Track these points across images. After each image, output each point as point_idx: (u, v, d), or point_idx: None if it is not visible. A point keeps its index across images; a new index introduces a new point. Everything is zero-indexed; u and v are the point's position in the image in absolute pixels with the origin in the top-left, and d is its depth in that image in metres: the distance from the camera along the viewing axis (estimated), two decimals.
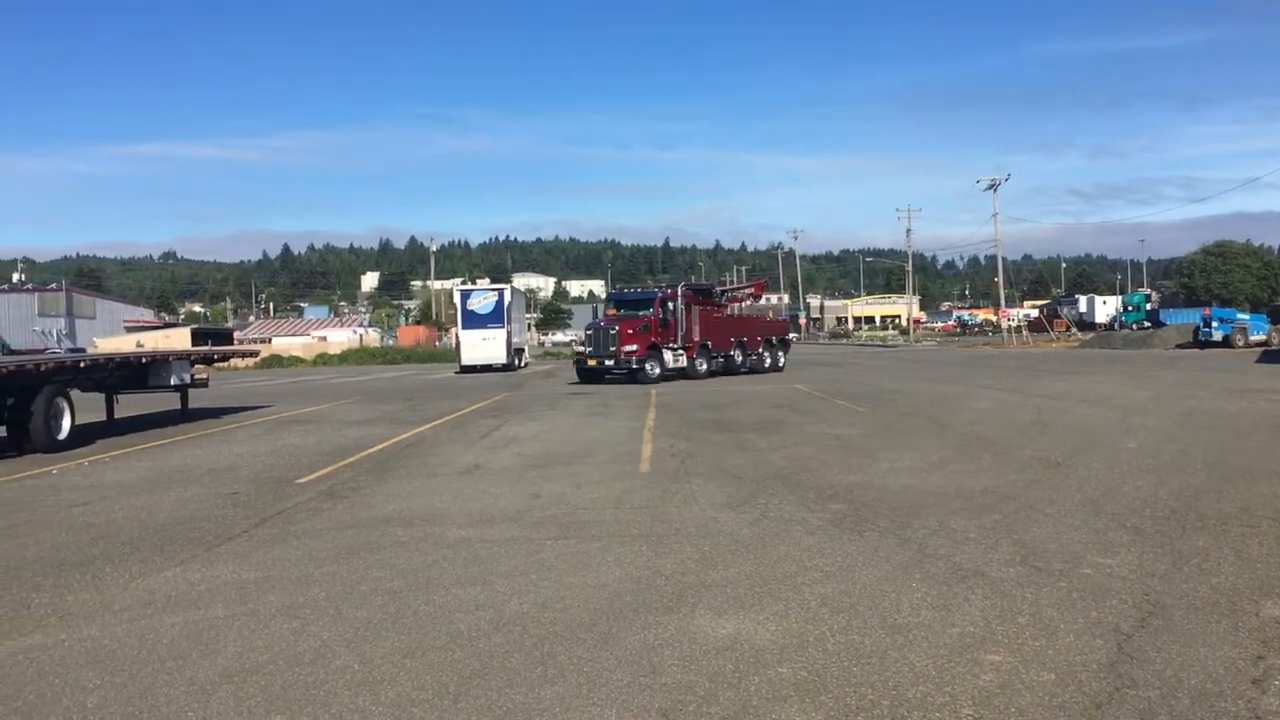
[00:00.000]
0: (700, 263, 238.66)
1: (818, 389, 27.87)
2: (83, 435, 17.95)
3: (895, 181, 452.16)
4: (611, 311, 36.00)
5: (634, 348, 32.96)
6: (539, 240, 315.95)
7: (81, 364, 18.88)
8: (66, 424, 17.07)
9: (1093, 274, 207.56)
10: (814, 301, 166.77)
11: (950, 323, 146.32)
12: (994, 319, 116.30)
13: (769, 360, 39.66)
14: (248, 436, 18.53)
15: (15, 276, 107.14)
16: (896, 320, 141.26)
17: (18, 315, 76.91)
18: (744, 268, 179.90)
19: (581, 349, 35.26)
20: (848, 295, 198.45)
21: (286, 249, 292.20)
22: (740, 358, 38.01)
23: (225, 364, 36.94)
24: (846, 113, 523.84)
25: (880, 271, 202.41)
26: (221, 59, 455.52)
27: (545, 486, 11.53)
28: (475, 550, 8.25)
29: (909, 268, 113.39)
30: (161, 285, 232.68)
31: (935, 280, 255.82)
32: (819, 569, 7.32)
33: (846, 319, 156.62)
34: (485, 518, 9.72)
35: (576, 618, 6.25)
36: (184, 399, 23.49)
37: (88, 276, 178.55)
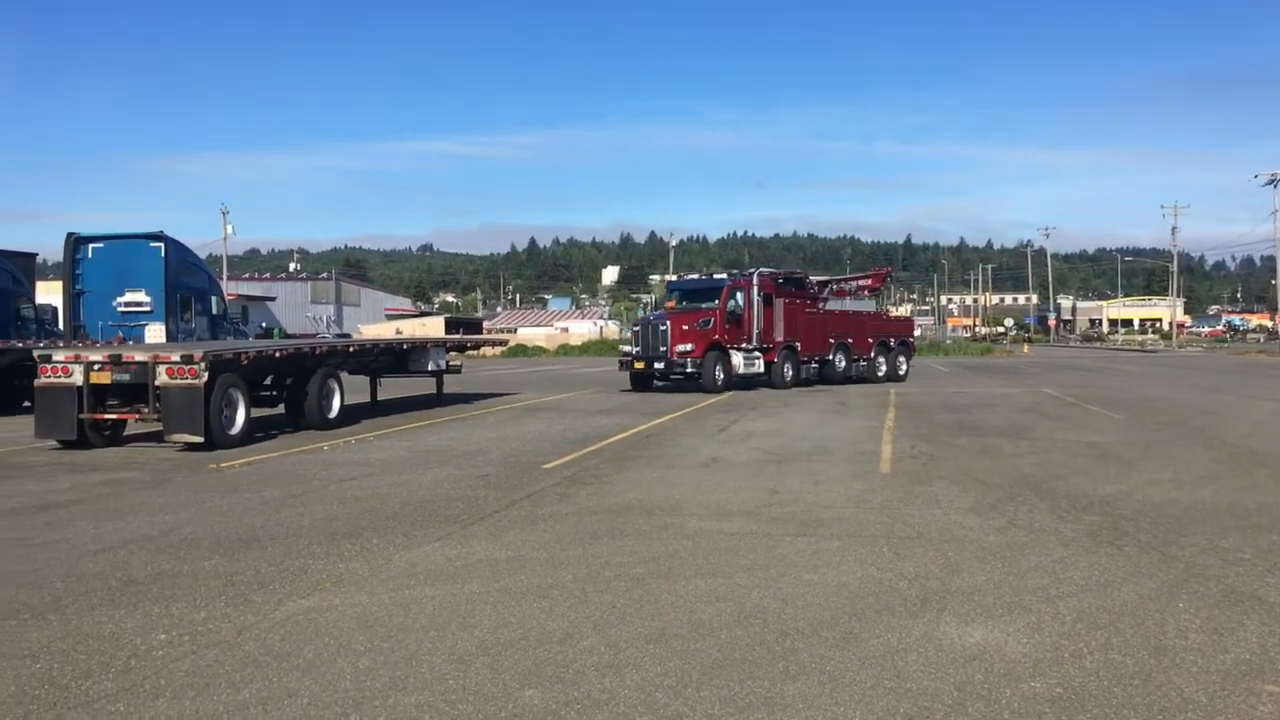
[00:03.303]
0: (944, 260, 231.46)
1: (1068, 394, 26.54)
2: (350, 415, 19.24)
3: (1161, 175, 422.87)
4: (670, 304, 30.37)
5: (689, 347, 27.12)
6: (777, 236, 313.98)
7: (351, 348, 20.32)
8: (336, 404, 18.35)
9: None
10: (1065, 302, 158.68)
11: (1218, 328, 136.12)
12: (1270, 324, 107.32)
13: (884, 367, 33.66)
14: (497, 422, 19.40)
15: (291, 266, 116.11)
16: (1157, 324, 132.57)
17: (293, 302, 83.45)
18: (989, 266, 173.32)
19: (628, 349, 29.09)
20: (1103, 296, 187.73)
21: (533, 242, 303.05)
22: (843, 363, 32.10)
23: (476, 351, 38.78)
24: (1112, 102, 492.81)
25: (1140, 272, 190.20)
26: (472, 62, 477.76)
27: (783, 482, 11.51)
28: (715, 542, 8.34)
29: (1173, 268, 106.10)
30: (418, 276, 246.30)
31: (1202, 282, 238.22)
32: (1073, 582, 6.98)
33: (1100, 321, 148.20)
34: (724, 511, 9.80)
35: (817, 615, 6.22)
36: (439, 384, 24.74)
37: (354, 267, 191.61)
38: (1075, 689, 4.96)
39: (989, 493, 10.74)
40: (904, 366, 34.83)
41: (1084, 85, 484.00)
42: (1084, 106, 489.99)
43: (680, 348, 27.06)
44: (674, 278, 34.99)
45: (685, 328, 27.47)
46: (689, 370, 27.03)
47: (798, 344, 30.29)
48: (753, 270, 31.19)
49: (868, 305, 35.93)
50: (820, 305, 32.57)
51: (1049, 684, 5.03)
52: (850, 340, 32.46)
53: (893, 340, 34.54)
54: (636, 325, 29.25)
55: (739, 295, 28.69)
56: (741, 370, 28.26)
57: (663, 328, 27.65)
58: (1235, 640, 5.70)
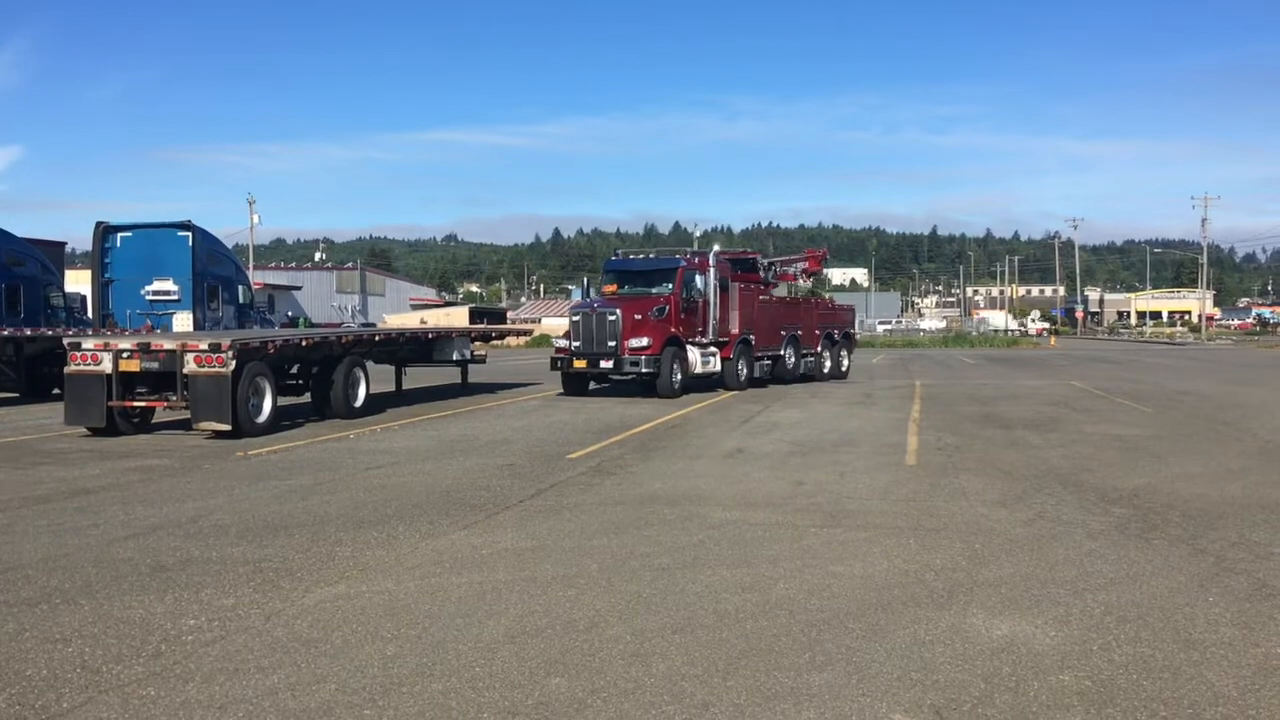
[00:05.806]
0: (970, 252, 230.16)
1: (1096, 386, 26.35)
2: (375, 404, 19.31)
3: (1190, 167, 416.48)
4: (609, 288, 24.75)
5: (644, 342, 22.12)
6: (801, 226, 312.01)
7: (376, 338, 20.42)
8: (362, 393, 18.41)
9: None
10: (1093, 295, 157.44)
11: (1248, 320, 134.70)
12: None
13: (829, 362, 29.90)
14: (521, 411, 19.44)
15: (317, 256, 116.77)
16: (1186, 317, 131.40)
17: (319, 291, 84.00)
18: (1016, 257, 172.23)
19: (564, 343, 23.56)
20: (1131, 288, 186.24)
21: (557, 233, 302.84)
22: (793, 358, 27.74)
23: (500, 341, 38.83)
24: (1141, 94, 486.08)
25: (1169, 264, 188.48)
26: (497, 53, 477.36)
27: (809, 474, 11.48)
28: (740, 533, 8.33)
29: (1203, 260, 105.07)
30: (443, 266, 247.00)
31: (1232, 274, 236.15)
32: (1102, 575, 6.93)
33: (1129, 314, 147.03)
34: (749, 501, 9.79)
35: (843, 606, 6.20)
36: (464, 373, 24.77)
37: (379, 256, 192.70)
38: (1104, 682, 4.93)
39: (1016, 485, 10.68)
40: (846, 362, 31.39)
41: (1113, 77, 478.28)
42: (1113, 98, 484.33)
43: (634, 343, 22.22)
44: (616, 256, 27.78)
45: (638, 318, 22.61)
46: (643, 370, 22.22)
47: (752, 337, 25.69)
48: (708, 250, 26.82)
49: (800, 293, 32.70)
50: (770, 292, 28.30)
51: (1077, 677, 5.00)
52: (800, 333, 28.46)
53: (836, 333, 30.84)
54: (576, 315, 23.50)
55: (697, 280, 23.83)
56: (698, 369, 23.53)
57: (612, 318, 22.50)
58: (1267, 634, 5.65)
